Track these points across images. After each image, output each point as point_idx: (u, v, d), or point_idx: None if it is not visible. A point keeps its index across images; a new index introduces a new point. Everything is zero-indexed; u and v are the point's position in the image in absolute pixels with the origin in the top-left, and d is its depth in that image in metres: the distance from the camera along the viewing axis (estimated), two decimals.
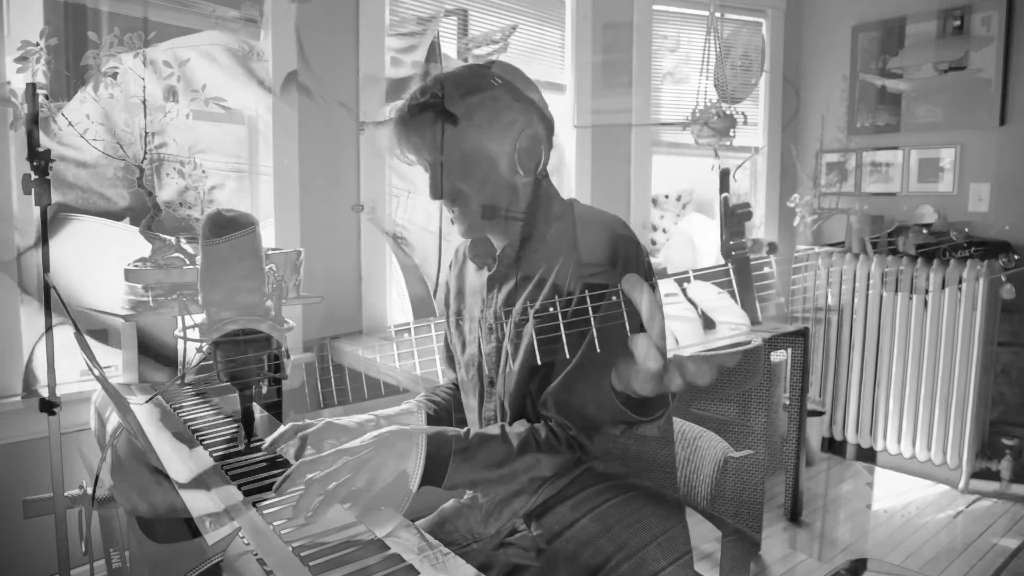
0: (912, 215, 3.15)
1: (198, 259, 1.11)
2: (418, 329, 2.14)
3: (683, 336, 0.66)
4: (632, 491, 1.12)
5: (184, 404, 1.44)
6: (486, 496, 1.20)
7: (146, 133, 1.83)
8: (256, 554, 0.82)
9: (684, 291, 0.67)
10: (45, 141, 1.82)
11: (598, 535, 1.08)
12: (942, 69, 3.12)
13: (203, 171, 2.08)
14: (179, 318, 1.49)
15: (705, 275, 0.68)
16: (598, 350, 0.71)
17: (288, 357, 1.14)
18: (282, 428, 1.13)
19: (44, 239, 1.50)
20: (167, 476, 0.96)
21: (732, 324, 0.65)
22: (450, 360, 1.34)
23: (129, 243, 1.79)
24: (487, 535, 1.18)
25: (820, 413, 3.16)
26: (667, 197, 3.71)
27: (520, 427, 1.06)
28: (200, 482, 1.05)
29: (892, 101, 3.28)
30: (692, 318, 0.66)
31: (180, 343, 1.56)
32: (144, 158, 1.78)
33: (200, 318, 1.15)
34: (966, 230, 0.74)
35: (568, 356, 0.74)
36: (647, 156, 3.15)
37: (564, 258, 1.06)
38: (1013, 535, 2.49)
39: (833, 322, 3.12)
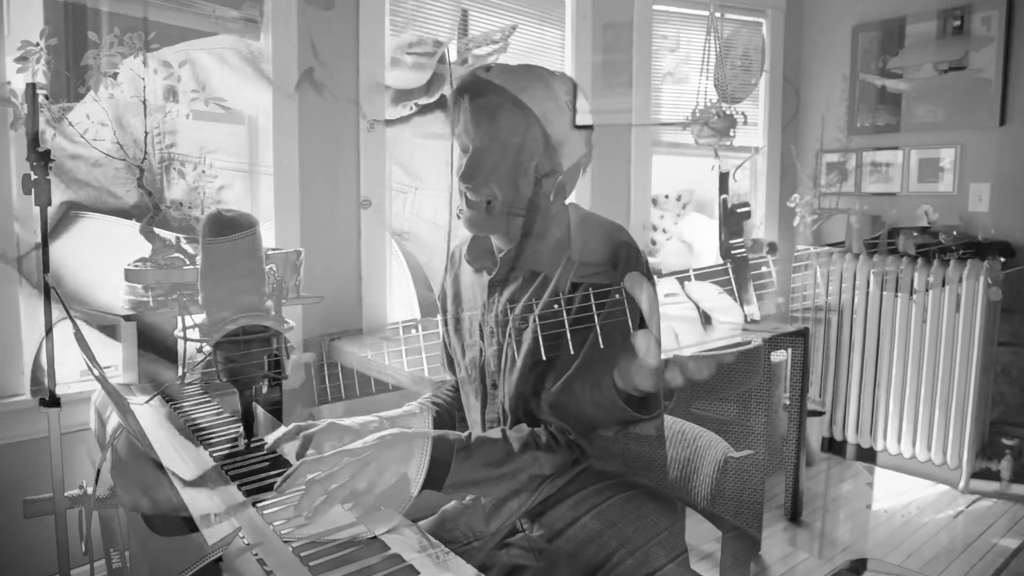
0: (912, 215, 3.15)
1: (198, 259, 1.11)
2: (425, 327, 2.13)
3: (683, 334, 0.67)
4: (631, 489, 1.12)
5: (184, 404, 1.44)
6: (487, 496, 1.20)
7: (147, 133, 1.83)
8: (256, 554, 0.82)
9: (684, 290, 0.68)
10: (57, 139, 1.83)
11: (598, 533, 1.08)
12: (942, 69, 3.12)
13: (203, 171, 2.08)
14: (179, 318, 1.49)
15: (704, 274, 0.69)
16: (602, 348, 0.72)
17: (288, 357, 1.14)
18: (285, 428, 1.13)
19: (44, 239, 1.50)
20: (168, 475, 0.96)
21: (730, 324, 0.66)
22: (450, 363, 1.34)
23: (135, 243, 1.79)
24: (488, 533, 1.18)
25: (820, 413, 3.16)
26: (667, 197, 3.71)
27: (521, 430, 1.06)
28: (200, 482, 1.05)
29: (892, 101, 3.28)
30: (692, 316, 0.67)
31: (180, 343, 1.56)
32: (144, 158, 1.78)
33: (200, 318, 1.15)
34: (954, 232, 0.74)
35: (571, 357, 0.75)
36: (647, 156, 3.14)
37: (565, 263, 1.07)
38: (1013, 535, 2.49)
39: (833, 322, 3.12)
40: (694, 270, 0.68)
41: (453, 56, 2.62)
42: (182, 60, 2.01)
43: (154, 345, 1.60)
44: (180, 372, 1.56)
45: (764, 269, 0.68)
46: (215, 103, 2.01)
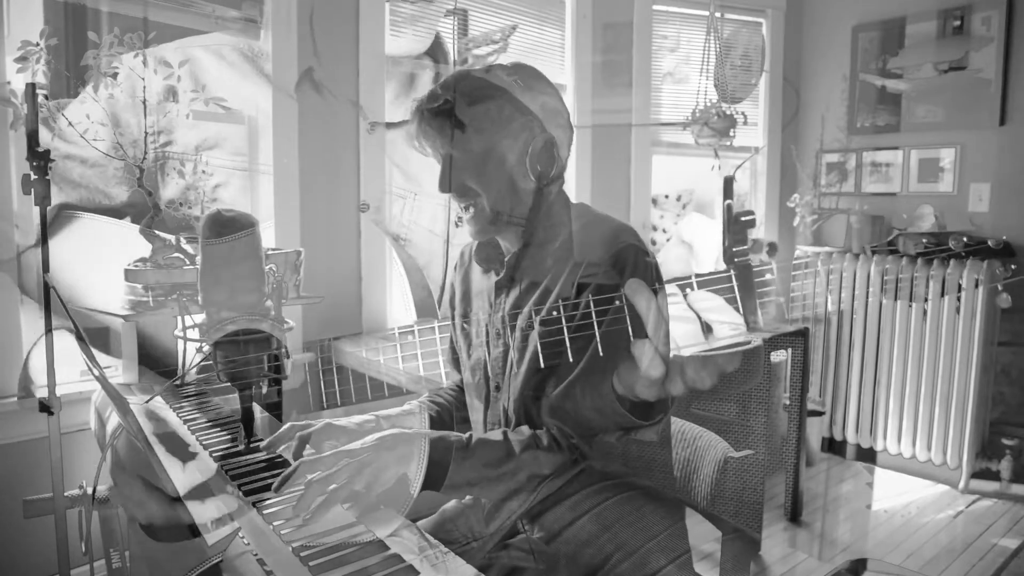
0: (912, 215, 3.15)
1: (198, 259, 1.11)
2: (421, 331, 2.13)
3: (682, 338, 0.66)
4: (631, 490, 1.12)
5: (184, 404, 1.43)
6: (486, 497, 1.20)
7: (147, 133, 1.83)
8: (256, 554, 0.82)
9: (685, 296, 0.68)
10: (50, 139, 1.83)
11: (598, 534, 1.08)
12: (942, 69, 3.12)
13: (202, 170, 2.08)
14: (179, 318, 1.49)
15: (708, 281, 0.68)
16: (601, 355, 0.72)
17: (288, 357, 1.14)
18: (282, 429, 1.13)
19: (44, 239, 1.50)
20: (167, 475, 0.96)
21: (729, 324, 0.66)
22: (455, 361, 1.33)
23: (130, 242, 1.79)
24: (487, 534, 1.18)
25: (820, 413, 3.16)
26: (667, 197, 3.71)
27: (522, 432, 1.06)
28: (200, 482, 1.05)
29: (892, 101, 3.28)
30: (692, 319, 0.66)
31: (180, 343, 1.56)
32: (144, 158, 1.78)
33: (200, 318, 1.15)
34: (964, 240, 0.73)
35: (572, 362, 0.74)
36: (647, 156, 3.14)
37: (572, 265, 1.07)
38: (1013, 535, 2.49)
39: (833, 322, 3.12)
40: (696, 277, 0.68)
41: (454, 56, 2.62)
42: (182, 60, 2.01)
43: (150, 348, 1.60)
44: (180, 372, 1.56)
45: (768, 276, 0.68)
46: (215, 103, 2.01)
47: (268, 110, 2.22)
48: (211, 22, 2.10)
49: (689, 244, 3.61)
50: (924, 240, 0.73)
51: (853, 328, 3.06)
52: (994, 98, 2.97)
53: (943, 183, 3.11)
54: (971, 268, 0.77)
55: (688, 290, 0.68)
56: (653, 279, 0.70)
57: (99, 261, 2.03)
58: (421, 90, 2.53)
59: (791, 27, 3.53)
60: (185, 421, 1.32)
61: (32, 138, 1.45)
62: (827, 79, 3.50)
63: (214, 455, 1.14)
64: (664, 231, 3.70)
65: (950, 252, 0.73)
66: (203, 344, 1.12)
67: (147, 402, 1.42)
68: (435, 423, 1.29)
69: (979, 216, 3.01)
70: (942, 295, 0.70)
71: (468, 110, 1.08)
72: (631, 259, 1.02)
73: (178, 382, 1.54)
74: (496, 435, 1.06)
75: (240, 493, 1.00)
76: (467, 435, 1.05)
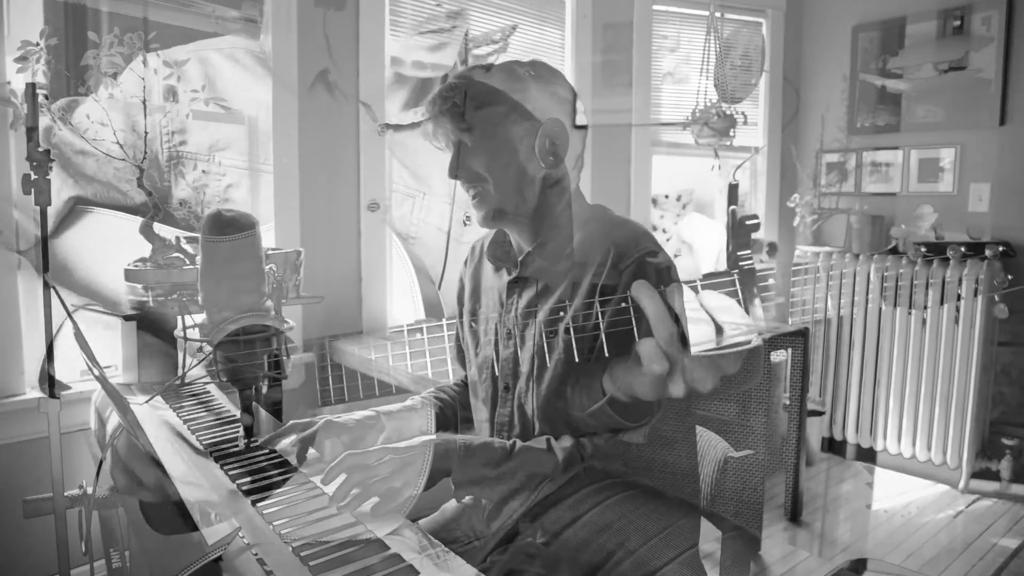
0: (912, 215, 3.14)
1: (198, 259, 1.11)
2: (429, 329, 2.13)
3: (692, 338, 0.67)
4: (632, 489, 1.12)
5: (184, 404, 1.44)
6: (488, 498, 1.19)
7: (146, 133, 1.83)
8: (256, 554, 0.82)
9: (696, 295, 0.69)
10: (64, 134, 1.83)
11: (599, 533, 1.08)
12: (942, 69, 3.12)
13: (208, 171, 2.08)
14: (179, 318, 1.49)
15: (711, 284, 0.69)
16: (605, 355, 0.72)
17: (288, 357, 1.14)
18: (284, 427, 1.13)
19: (44, 239, 1.50)
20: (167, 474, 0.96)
21: (734, 324, 0.66)
22: (461, 358, 1.33)
23: (139, 239, 1.79)
24: (488, 533, 1.18)
25: (820, 413, 3.16)
26: (667, 197, 3.71)
27: (566, 442, 1.07)
28: (200, 482, 1.05)
29: (892, 101, 3.28)
30: (704, 319, 0.67)
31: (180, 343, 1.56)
32: (144, 158, 1.78)
33: (200, 318, 1.15)
34: (962, 249, 0.74)
35: (572, 363, 0.75)
36: (647, 156, 3.14)
37: (586, 267, 1.07)
38: (1013, 535, 2.49)
39: (833, 322, 3.12)
40: (702, 280, 0.68)
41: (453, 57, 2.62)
42: (182, 60, 2.01)
43: (159, 339, 1.60)
44: (180, 372, 1.56)
45: (771, 281, 0.69)
46: (215, 103, 2.01)
47: (268, 109, 2.22)
48: (211, 22, 2.10)
49: (689, 244, 3.61)
50: (924, 249, 0.73)
51: (853, 328, 3.06)
52: (994, 98, 2.97)
53: (943, 183, 3.11)
54: (971, 269, 0.77)
55: (695, 292, 0.69)
56: (666, 280, 0.71)
57: (114, 255, 2.03)
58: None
59: (791, 27, 3.53)
60: (185, 421, 1.32)
61: (32, 137, 1.45)
62: (827, 79, 3.50)
63: (214, 455, 1.14)
64: (664, 231, 3.70)
65: (945, 256, 0.74)
66: (203, 344, 1.12)
67: (147, 402, 1.42)
68: (438, 419, 1.28)
69: (979, 216, 3.01)
70: (941, 303, 0.71)
71: (481, 99, 1.09)
72: (651, 271, 1.02)
73: (178, 382, 1.54)
74: (540, 443, 1.08)
75: (240, 492, 1.00)
76: (511, 442, 1.07)
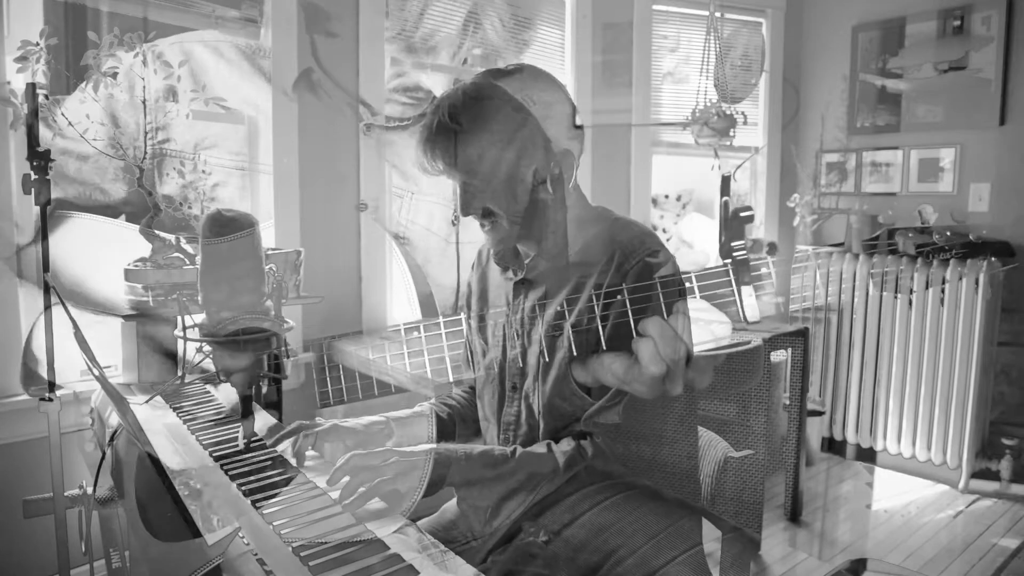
0: (911, 216, 3.14)
1: (198, 259, 1.11)
2: (427, 328, 2.13)
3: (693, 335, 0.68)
4: (631, 489, 1.12)
5: (184, 403, 1.44)
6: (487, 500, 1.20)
7: (146, 132, 1.83)
8: (256, 554, 0.82)
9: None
10: (46, 136, 1.83)
11: (599, 533, 1.08)
12: (942, 69, 3.12)
13: (203, 171, 2.08)
14: (179, 318, 1.49)
15: (705, 276, 0.69)
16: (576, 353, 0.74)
17: (288, 357, 1.14)
18: (290, 427, 1.14)
19: (44, 238, 1.50)
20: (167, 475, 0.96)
21: (718, 321, 0.67)
22: (470, 361, 1.33)
23: (125, 241, 1.78)
24: (487, 533, 1.18)
25: (820, 413, 3.16)
26: (667, 197, 3.71)
27: (567, 445, 1.07)
28: (200, 481, 1.05)
29: (892, 101, 3.28)
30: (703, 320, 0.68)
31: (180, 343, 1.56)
32: (144, 158, 1.78)
33: (200, 318, 1.15)
34: (948, 233, 0.74)
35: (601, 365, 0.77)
36: (647, 156, 3.14)
37: (591, 268, 1.07)
38: (1013, 535, 2.49)
39: (833, 322, 3.12)
40: (695, 273, 0.69)
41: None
42: (182, 60, 2.01)
43: (158, 342, 1.60)
44: (180, 372, 1.56)
45: (764, 271, 0.69)
46: (215, 103, 2.01)
47: (268, 110, 2.22)
48: (211, 22, 2.11)
49: (689, 244, 3.61)
50: (911, 235, 0.74)
51: (853, 328, 3.06)
52: (994, 98, 2.97)
53: (943, 183, 3.11)
54: (971, 269, 0.77)
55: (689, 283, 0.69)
56: (671, 283, 0.71)
57: (98, 258, 2.02)
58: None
59: (791, 27, 3.53)
60: (185, 421, 1.32)
61: (32, 138, 1.45)
62: (827, 79, 3.50)
63: (214, 455, 1.14)
64: (664, 231, 3.70)
65: (935, 246, 0.74)
66: (203, 344, 1.12)
67: (147, 402, 1.42)
68: (445, 425, 1.29)
69: (976, 216, 3.01)
70: (927, 287, 0.71)
71: (477, 132, 1.07)
72: (654, 270, 1.02)
73: (178, 382, 1.54)
74: (540, 448, 1.08)
75: (241, 492, 1.00)
76: (511, 449, 1.08)
